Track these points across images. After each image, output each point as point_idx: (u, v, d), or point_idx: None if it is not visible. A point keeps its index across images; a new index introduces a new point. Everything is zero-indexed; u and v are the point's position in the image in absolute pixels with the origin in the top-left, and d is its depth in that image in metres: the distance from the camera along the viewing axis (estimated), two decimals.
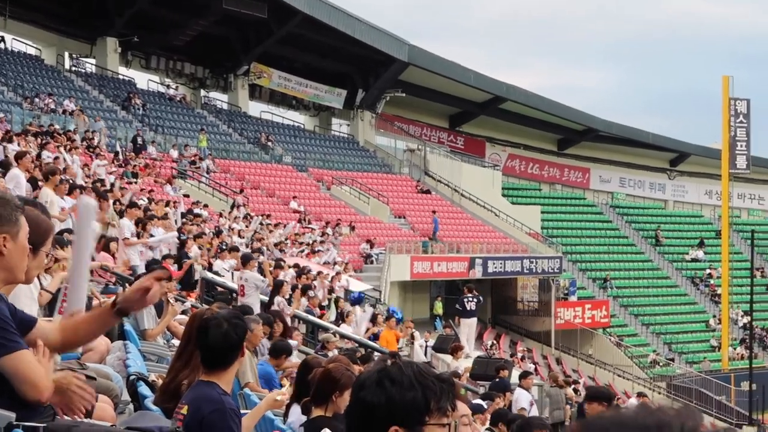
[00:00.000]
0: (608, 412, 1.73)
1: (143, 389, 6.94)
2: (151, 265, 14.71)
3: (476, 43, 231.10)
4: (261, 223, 33.09)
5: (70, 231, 11.28)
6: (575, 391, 28.31)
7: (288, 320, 16.16)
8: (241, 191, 39.70)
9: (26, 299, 6.52)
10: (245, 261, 19.03)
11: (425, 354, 25.93)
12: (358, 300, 28.53)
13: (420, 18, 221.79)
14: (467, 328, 30.38)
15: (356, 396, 2.60)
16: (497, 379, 19.75)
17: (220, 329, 4.92)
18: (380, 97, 56.56)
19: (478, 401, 14.45)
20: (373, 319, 25.17)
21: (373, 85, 55.56)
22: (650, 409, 1.68)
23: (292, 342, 14.09)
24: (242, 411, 6.75)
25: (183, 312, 13.30)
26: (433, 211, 49.03)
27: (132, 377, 7.34)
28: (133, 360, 8.22)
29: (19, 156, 18.73)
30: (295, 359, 13.28)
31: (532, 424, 9.25)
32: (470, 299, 29.79)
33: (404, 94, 56.06)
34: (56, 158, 26.33)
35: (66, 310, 4.47)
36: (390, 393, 2.52)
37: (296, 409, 6.59)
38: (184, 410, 4.89)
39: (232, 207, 36.61)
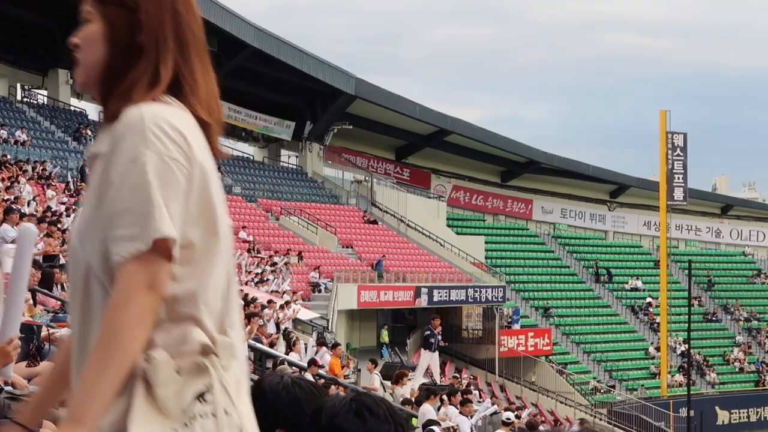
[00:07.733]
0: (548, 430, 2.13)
1: None
2: None
3: (421, 76, 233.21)
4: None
5: None
6: (518, 417, 29.24)
7: None
8: None
9: None
10: None
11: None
12: None
13: (366, 51, 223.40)
14: (429, 360, 30.24)
15: (329, 422, 2.57)
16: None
17: None
18: (328, 129, 57.28)
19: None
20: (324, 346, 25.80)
21: (321, 118, 56.31)
22: (586, 427, 2.07)
23: None
24: None
25: None
26: None
27: None
28: None
29: None
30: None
31: None
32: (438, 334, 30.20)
33: (351, 127, 56.72)
34: (8, 188, 26.98)
35: (1, 335, 4.45)
36: (369, 424, 2.54)
37: None
38: None
39: None
